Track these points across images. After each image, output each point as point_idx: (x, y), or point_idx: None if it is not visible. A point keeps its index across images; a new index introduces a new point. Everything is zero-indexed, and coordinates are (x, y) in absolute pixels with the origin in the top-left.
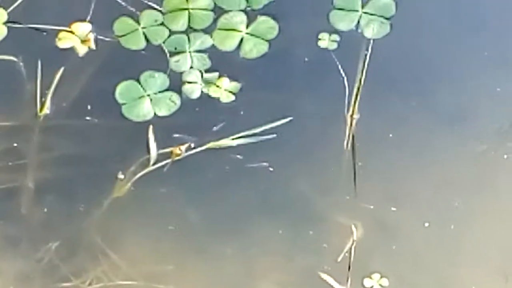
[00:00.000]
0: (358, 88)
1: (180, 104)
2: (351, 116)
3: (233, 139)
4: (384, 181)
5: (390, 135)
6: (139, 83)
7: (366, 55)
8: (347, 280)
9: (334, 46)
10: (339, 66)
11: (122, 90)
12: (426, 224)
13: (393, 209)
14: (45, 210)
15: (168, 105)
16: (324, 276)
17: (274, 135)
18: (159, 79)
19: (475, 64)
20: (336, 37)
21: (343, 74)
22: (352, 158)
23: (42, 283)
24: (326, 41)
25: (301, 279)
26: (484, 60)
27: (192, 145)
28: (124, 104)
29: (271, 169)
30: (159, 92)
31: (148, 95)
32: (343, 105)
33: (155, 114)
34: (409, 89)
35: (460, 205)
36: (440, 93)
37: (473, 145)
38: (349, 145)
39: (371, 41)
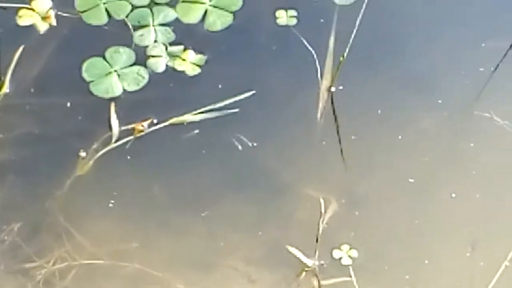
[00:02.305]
0: (340, 61)
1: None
2: (329, 88)
3: (196, 114)
4: (356, 152)
5: (370, 109)
6: (105, 59)
7: (356, 25)
8: (315, 252)
9: (293, 22)
10: (304, 41)
11: (89, 67)
12: (396, 197)
13: (364, 183)
14: (6, 190)
15: (137, 79)
16: (292, 249)
17: (237, 109)
18: (125, 54)
19: (443, 28)
20: (293, 12)
21: (310, 48)
22: (336, 129)
23: (5, 264)
24: (284, 18)
25: (267, 253)
26: (453, 25)
27: (155, 121)
28: (91, 81)
29: (236, 143)
30: (126, 67)
31: (115, 71)
32: (310, 77)
33: (124, 89)
34: (381, 59)
35: (428, 178)
36: (411, 59)
37: (435, 113)
38: (323, 117)
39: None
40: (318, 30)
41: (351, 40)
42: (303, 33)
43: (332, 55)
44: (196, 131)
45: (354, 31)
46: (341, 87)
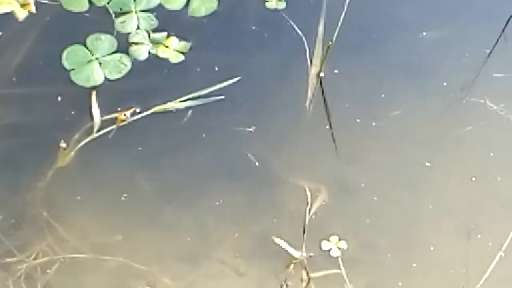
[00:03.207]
0: (329, 46)
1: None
2: (318, 74)
3: (180, 102)
4: (345, 142)
5: (361, 94)
6: (86, 47)
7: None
8: (303, 244)
9: (283, 5)
10: (293, 25)
11: (69, 55)
12: (387, 185)
13: (354, 171)
14: None
15: (119, 67)
16: (278, 240)
17: (222, 96)
18: (107, 42)
19: (435, 14)
20: None
21: (300, 33)
22: (326, 115)
23: None
24: (273, 2)
25: (256, 245)
26: (446, 15)
27: (138, 110)
28: (72, 69)
29: (222, 131)
30: (108, 54)
31: (97, 59)
32: (299, 63)
33: (105, 78)
34: (372, 43)
35: (420, 165)
36: (398, 46)
37: (434, 100)
38: (312, 104)
39: None
40: (308, 13)
41: (339, 24)
42: (293, 16)
43: (322, 39)
44: (180, 119)
45: (343, 14)
46: (331, 72)
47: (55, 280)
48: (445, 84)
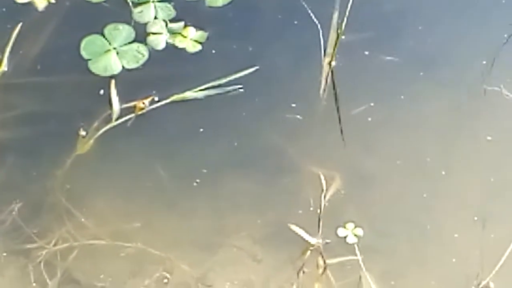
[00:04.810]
0: (338, 34)
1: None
2: (329, 63)
3: (198, 91)
4: (360, 130)
5: (366, 84)
6: (104, 37)
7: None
8: (318, 231)
9: None
10: (310, 12)
11: (87, 45)
12: (403, 173)
13: (370, 159)
14: (6, 170)
15: (136, 57)
16: (294, 227)
17: (240, 86)
18: (124, 31)
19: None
20: None
21: (316, 21)
22: (335, 104)
23: (5, 245)
24: None
25: (273, 232)
26: (461, 2)
27: (156, 99)
28: (89, 59)
29: (239, 120)
30: (125, 44)
31: (114, 48)
32: (314, 52)
33: (123, 67)
34: (383, 35)
35: (435, 153)
36: (413, 37)
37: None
38: (326, 92)
39: None
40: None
41: (347, 13)
42: (310, 3)
43: (336, 28)
44: (198, 108)
45: (350, 2)
46: (343, 61)
47: (74, 266)
48: (460, 72)
